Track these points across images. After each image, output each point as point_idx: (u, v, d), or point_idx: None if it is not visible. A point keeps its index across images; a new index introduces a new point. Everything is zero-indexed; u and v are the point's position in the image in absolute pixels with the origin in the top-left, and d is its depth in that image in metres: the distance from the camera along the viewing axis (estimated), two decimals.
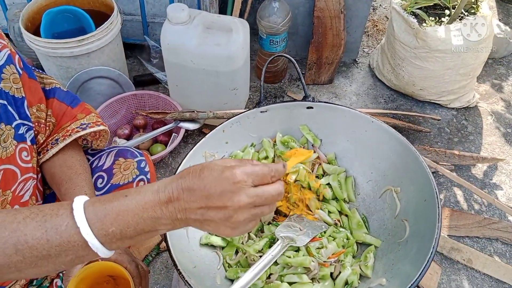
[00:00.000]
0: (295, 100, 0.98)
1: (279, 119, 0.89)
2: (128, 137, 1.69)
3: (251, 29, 1.78)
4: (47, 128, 0.94)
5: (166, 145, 1.66)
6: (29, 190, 0.89)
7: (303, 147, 0.89)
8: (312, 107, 0.87)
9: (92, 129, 0.96)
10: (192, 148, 0.83)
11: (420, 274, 0.61)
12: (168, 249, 0.70)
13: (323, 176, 0.86)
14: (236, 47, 1.53)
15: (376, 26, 2.35)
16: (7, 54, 0.83)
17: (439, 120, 1.86)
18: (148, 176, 1.02)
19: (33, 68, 0.94)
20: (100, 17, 1.66)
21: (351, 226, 0.81)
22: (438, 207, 0.66)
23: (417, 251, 0.67)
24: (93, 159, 1.04)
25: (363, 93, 2.01)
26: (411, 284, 0.60)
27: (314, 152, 0.87)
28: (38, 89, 0.91)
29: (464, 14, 1.80)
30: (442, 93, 1.89)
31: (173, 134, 1.66)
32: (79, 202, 0.60)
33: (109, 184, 0.99)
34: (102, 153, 1.05)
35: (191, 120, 1.62)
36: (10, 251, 0.57)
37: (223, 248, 0.80)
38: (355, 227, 0.80)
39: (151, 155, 1.57)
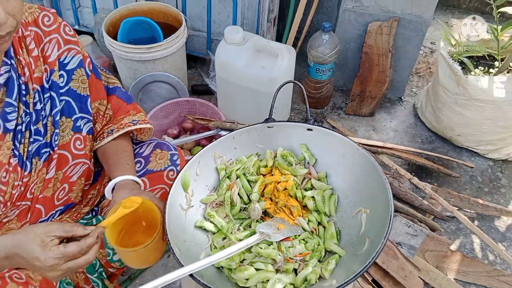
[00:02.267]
0: (298, 121, 1.11)
1: (282, 136, 1.03)
2: (176, 137, 1.91)
3: (303, 55, 1.94)
4: (104, 118, 1.16)
5: None
6: (78, 172, 1.12)
7: (300, 163, 1.02)
8: (311, 130, 1.01)
9: (140, 126, 1.17)
10: (204, 147, 1.01)
11: (359, 271, 0.73)
12: (164, 221, 0.87)
13: (311, 189, 0.98)
14: (279, 71, 1.70)
15: (430, 68, 2.40)
16: (79, 59, 1.06)
17: (472, 167, 1.88)
18: (178, 168, 1.21)
19: (101, 68, 1.18)
20: (170, 29, 1.92)
21: (325, 236, 0.92)
22: (387, 232, 0.77)
23: (365, 257, 0.78)
24: (136, 147, 1.25)
25: (402, 130, 2.07)
26: (351, 278, 0.72)
27: (308, 168, 1.01)
28: (102, 88, 1.14)
29: None
30: (480, 142, 1.91)
31: (213, 139, 1.85)
32: None
33: (145, 169, 1.19)
34: (143, 143, 1.26)
35: (231, 130, 1.80)
36: None
37: (213, 233, 0.95)
38: (328, 237, 0.92)
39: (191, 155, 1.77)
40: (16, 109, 0.95)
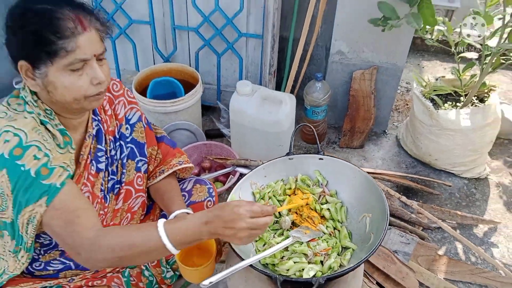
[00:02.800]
0: (311, 153, 1.42)
1: (300, 165, 1.36)
2: (197, 175, 2.22)
3: (300, 100, 2.30)
4: (156, 160, 1.47)
5: (224, 184, 2.17)
6: (137, 204, 1.42)
7: (315, 185, 1.35)
8: (322, 159, 1.34)
9: (184, 165, 1.48)
10: (243, 177, 1.32)
11: (366, 256, 1.04)
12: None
13: (326, 203, 1.30)
14: (283, 115, 2.05)
15: (407, 105, 2.80)
16: (138, 115, 1.39)
17: (450, 186, 2.22)
18: (214, 198, 1.52)
19: (150, 123, 1.51)
20: (188, 85, 2.28)
21: (340, 236, 1.24)
22: (385, 226, 1.09)
23: (371, 246, 1.09)
24: (180, 183, 1.56)
25: (388, 158, 2.43)
26: (360, 261, 1.03)
27: (322, 188, 1.33)
28: (153, 137, 1.46)
29: (475, 101, 2.21)
30: (454, 164, 2.27)
31: (230, 175, 2.17)
32: (161, 222, 1.06)
33: (189, 201, 1.49)
34: (185, 180, 1.57)
35: (245, 166, 2.13)
36: (125, 249, 1.04)
37: (256, 241, 1.26)
38: (342, 237, 1.23)
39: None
40: (104, 153, 1.26)
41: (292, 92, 2.47)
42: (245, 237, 1.02)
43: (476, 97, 2.24)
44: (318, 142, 1.36)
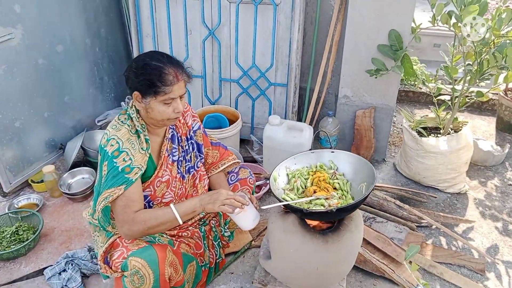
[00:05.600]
0: (326, 148, 2.10)
1: (319, 156, 2.02)
2: None
3: (316, 131, 3.00)
4: (212, 158, 2.15)
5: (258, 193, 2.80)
6: (205, 184, 2.09)
7: (329, 168, 2.00)
8: (334, 152, 2.01)
9: (236, 160, 2.17)
10: (280, 163, 1.98)
11: (364, 195, 1.66)
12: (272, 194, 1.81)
13: (336, 179, 1.94)
14: (304, 140, 2.74)
15: (401, 140, 3.46)
16: (198, 124, 2.07)
17: (435, 197, 2.82)
18: (253, 177, 2.21)
19: (206, 131, 2.22)
20: (230, 122, 3.00)
21: (346, 200, 1.87)
22: (374, 182, 1.73)
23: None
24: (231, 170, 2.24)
25: (387, 179, 3.05)
26: (361, 197, 1.65)
27: (333, 172, 1.98)
28: (208, 141, 2.13)
29: (451, 131, 2.88)
30: (439, 180, 2.88)
31: (263, 187, 2.82)
32: (173, 205, 1.72)
33: (237, 178, 2.17)
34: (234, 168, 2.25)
35: None
36: (152, 221, 1.69)
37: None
38: (348, 200, 1.86)
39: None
40: (177, 149, 1.95)
41: (310, 124, 3.18)
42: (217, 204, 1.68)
43: (453, 130, 2.91)
44: (331, 145, 2.03)
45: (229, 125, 2.92)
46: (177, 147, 1.94)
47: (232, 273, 2.30)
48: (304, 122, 3.16)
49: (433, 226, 2.55)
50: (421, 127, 2.95)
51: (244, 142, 3.37)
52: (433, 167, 2.83)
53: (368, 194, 1.71)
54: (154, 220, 1.67)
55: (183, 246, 1.95)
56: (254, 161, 3.15)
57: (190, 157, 2.01)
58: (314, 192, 1.87)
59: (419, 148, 2.83)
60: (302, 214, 1.71)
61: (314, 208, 1.76)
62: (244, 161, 3.17)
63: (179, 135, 1.96)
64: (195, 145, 2.03)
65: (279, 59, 3.00)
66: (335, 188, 1.91)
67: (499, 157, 3.13)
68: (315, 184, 1.92)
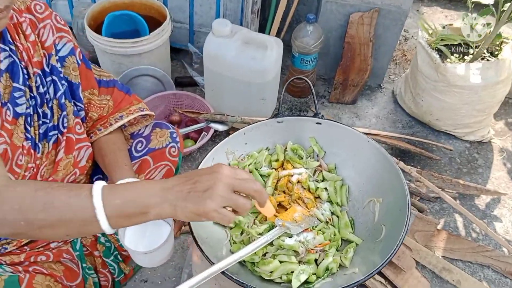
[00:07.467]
0: (307, 116, 1.12)
1: (292, 130, 1.06)
2: None
3: (286, 46, 1.96)
4: (101, 108, 1.15)
5: (195, 141, 1.86)
6: (84, 157, 1.11)
7: (310, 156, 1.06)
8: (320, 123, 1.04)
9: (147, 112, 1.19)
10: (217, 145, 1.02)
11: (383, 263, 0.77)
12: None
13: (322, 181, 1.02)
14: (268, 62, 1.72)
15: (405, 55, 2.48)
16: (70, 47, 1.06)
17: (451, 150, 1.98)
18: (178, 145, 1.23)
19: (92, 63, 1.17)
20: (154, 22, 1.89)
21: (340, 225, 0.97)
22: (408, 216, 0.82)
23: (385, 247, 0.82)
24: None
25: (383, 116, 2.15)
26: (375, 270, 0.76)
27: (318, 161, 1.04)
28: (92, 78, 1.13)
29: (486, 55, 1.92)
30: (458, 125, 2.01)
31: (203, 132, 1.86)
32: (99, 184, 0.75)
33: (147, 148, 1.21)
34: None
35: (221, 122, 1.81)
36: (38, 208, 0.73)
37: (231, 228, 0.97)
38: (343, 226, 0.96)
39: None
40: (23, 93, 0.95)
41: (278, 36, 2.11)
42: (218, 204, 0.72)
43: (489, 53, 1.95)
44: (315, 101, 1.06)
45: (151, 31, 1.81)
46: (22, 88, 0.96)
47: (146, 281, 1.49)
48: (270, 29, 2.07)
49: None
50: (442, 44, 1.97)
51: (179, 54, 2.28)
52: (454, 107, 1.93)
53: (399, 246, 0.80)
54: (41, 208, 0.74)
55: (39, 280, 1.04)
56: (193, 83, 2.13)
57: (51, 108, 1.03)
58: (279, 207, 0.95)
59: (439, 78, 1.88)
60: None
61: (273, 266, 0.86)
62: (179, 85, 2.13)
63: (24, 64, 0.98)
64: (62, 85, 1.05)
65: None
66: (318, 198, 0.99)
67: None
68: (280, 189, 1.00)
